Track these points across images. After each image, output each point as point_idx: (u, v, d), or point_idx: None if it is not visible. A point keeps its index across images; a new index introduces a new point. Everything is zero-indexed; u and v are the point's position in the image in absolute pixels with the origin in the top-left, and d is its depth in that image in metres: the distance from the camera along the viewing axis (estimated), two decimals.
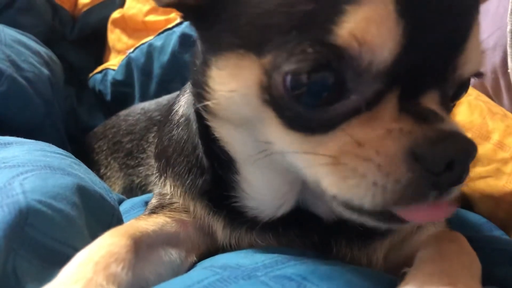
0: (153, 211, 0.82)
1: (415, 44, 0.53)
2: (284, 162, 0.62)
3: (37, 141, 0.92)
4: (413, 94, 0.56)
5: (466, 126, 1.13)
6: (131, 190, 1.35)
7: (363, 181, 0.54)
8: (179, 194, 0.82)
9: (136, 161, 1.33)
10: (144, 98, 1.77)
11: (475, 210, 1.12)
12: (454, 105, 0.67)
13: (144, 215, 0.81)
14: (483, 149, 1.11)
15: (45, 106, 1.33)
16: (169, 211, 0.81)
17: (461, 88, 0.64)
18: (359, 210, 0.57)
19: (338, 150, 0.55)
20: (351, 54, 0.52)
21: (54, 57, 1.60)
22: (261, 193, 0.73)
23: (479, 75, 0.65)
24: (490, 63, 1.18)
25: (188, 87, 0.85)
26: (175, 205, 0.82)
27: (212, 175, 0.76)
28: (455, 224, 1.00)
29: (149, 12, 2.03)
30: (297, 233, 0.75)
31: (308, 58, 0.52)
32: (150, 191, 1.27)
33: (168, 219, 0.79)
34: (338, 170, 0.55)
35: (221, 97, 0.63)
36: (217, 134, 0.71)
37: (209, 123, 0.71)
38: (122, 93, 1.86)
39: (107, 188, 0.87)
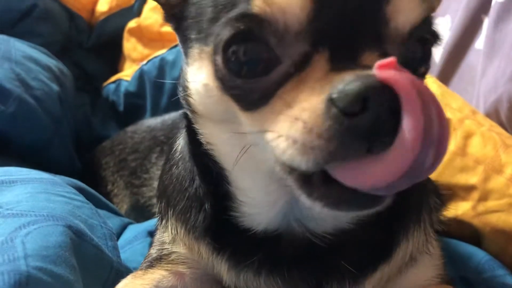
0: (151, 265, 0.83)
1: None
2: (261, 155, 0.62)
3: (42, 176, 0.92)
4: (346, 54, 0.54)
5: (479, 159, 1.10)
6: (138, 209, 1.35)
7: (294, 144, 0.53)
8: (182, 235, 0.81)
9: (140, 181, 1.34)
10: (155, 110, 1.78)
11: (484, 244, 1.09)
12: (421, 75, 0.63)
13: (141, 270, 0.82)
14: (495, 183, 1.08)
15: (54, 124, 1.34)
16: (166, 263, 0.82)
17: (412, 51, 0.59)
18: (299, 172, 0.55)
19: (276, 119, 0.56)
20: (267, 19, 0.55)
21: (65, 70, 1.61)
22: (252, 196, 0.73)
23: (435, 36, 0.61)
24: (506, 93, 1.15)
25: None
26: (173, 256, 0.83)
27: (211, 198, 0.77)
28: (456, 260, 0.99)
29: (165, 23, 2.02)
30: (298, 275, 0.74)
31: (233, 28, 0.57)
32: (155, 212, 1.27)
33: (165, 273, 0.80)
34: (279, 139, 0.55)
35: (193, 90, 0.68)
36: (203, 139, 0.73)
37: (194, 127, 0.73)
38: (135, 105, 1.87)
39: (108, 234, 0.87)
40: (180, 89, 0.75)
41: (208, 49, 0.62)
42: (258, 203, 0.73)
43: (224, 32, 0.57)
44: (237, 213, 0.75)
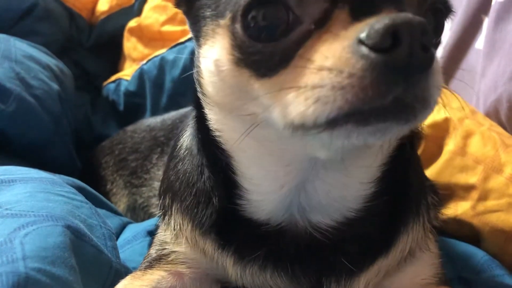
0: (150, 265, 0.83)
1: None
2: (271, 133, 0.62)
3: (42, 176, 0.92)
4: (365, 11, 0.54)
5: (479, 158, 1.10)
6: (134, 210, 1.35)
7: (322, 91, 0.52)
8: (188, 231, 0.82)
9: (140, 181, 1.34)
10: (155, 110, 1.79)
11: (483, 244, 1.09)
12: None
13: (140, 271, 0.82)
14: (494, 182, 1.08)
15: (54, 123, 1.34)
16: (165, 263, 0.82)
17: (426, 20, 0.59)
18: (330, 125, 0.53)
19: (297, 77, 0.55)
20: None
21: (65, 69, 1.61)
22: (258, 183, 0.74)
23: (447, 8, 0.62)
24: (506, 92, 1.15)
25: (190, 123, 0.86)
26: (173, 256, 0.83)
27: (219, 188, 0.77)
28: (455, 260, 0.99)
29: (165, 23, 2.04)
30: (301, 271, 0.76)
31: None
32: (151, 213, 1.28)
33: (164, 273, 0.80)
34: (301, 95, 0.54)
35: (204, 69, 0.68)
36: (211, 124, 0.74)
37: (204, 112, 0.75)
38: (135, 104, 1.87)
39: (107, 233, 0.87)
40: (194, 71, 0.75)
41: (225, 20, 0.61)
42: (264, 189, 0.74)
43: None
44: (243, 201, 0.75)
